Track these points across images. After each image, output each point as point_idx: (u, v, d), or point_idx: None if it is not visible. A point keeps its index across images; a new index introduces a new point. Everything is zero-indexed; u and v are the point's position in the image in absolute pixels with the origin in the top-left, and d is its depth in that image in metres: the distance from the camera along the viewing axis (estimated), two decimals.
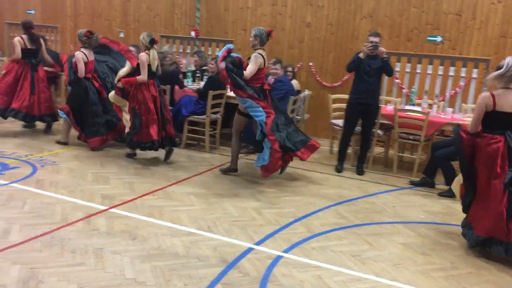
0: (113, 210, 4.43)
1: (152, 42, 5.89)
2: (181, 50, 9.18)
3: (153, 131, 5.87)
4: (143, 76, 5.80)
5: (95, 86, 6.55)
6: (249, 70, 5.34)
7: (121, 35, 9.62)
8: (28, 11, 10.51)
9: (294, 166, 6.30)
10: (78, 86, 6.45)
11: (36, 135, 7.12)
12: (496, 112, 3.87)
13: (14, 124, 7.54)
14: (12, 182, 4.95)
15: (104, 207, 4.46)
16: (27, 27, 6.98)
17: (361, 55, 5.90)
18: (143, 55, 5.82)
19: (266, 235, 4.10)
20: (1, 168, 5.40)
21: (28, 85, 6.83)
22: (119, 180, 5.32)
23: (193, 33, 8.79)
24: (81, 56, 6.37)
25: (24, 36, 6.92)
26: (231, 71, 5.17)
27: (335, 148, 7.00)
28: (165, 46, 8.72)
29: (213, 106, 6.81)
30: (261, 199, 5.03)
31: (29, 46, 6.91)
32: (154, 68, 5.94)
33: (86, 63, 6.42)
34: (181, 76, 7.49)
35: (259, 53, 5.44)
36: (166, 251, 3.64)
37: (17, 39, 6.93)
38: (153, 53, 5.92)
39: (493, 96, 3.88)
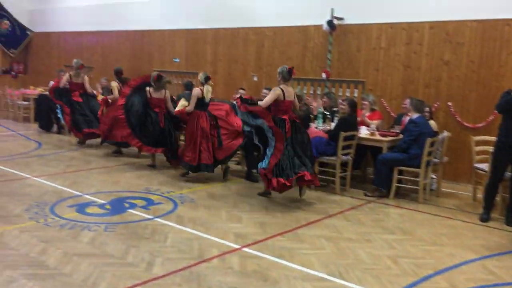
0: (245, 249, 4.51)
1: (207, 79, 7.06)
2: (311, 92, 9.30)
3: (201, 155, 6.89)
4: (190, 107, 6.98)
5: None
6: (265, 100, 6.05)
7: (255, 78, 10.08)
8: (174, 60, 11.57)
9: (432, 212, 5.88)
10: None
11: (176, 173, 7.65)
12: None
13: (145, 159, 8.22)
14: (156, 217, 5.34)
15: (237, 246, 4.57)
16: (118, 73, 9.28)
17: None
18: (196, 90, 7.00)
19: (403, 287, 3.83)
20: (147, 203, 5.87)
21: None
22: (251, 219, 5.44)
23: (324, 75, 8.88)
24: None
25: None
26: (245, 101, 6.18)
27: (479, 195, 6.40)
28: (296, 88, 8.93)
29: (344, 148, 6.72)
30: (396, 247, 4.74)
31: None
32: (207, 100, 7.00)
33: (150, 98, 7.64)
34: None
35: (279, 87, 6.06)
36: None
37: (114, 84, 8.95)
38: (207, 88, 7.00)
39: None
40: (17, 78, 15.27)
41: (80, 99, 9.51)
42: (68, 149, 9.20)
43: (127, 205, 5.77)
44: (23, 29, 15.46)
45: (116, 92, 8.79)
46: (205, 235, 4.82)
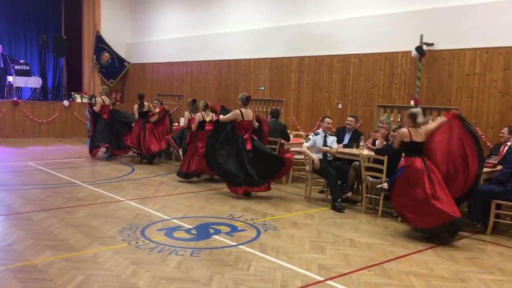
0: (329, 282, 4.39)
1: (206, 106, 9.03)
2: (398, 120, 9.02)
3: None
4: (193, 128, 8.89)
5: None
6: (225, 117, 7.67)
7: (339, 105, 9.99)
8: (259, 88, 11.83)
9: None
10: None
11: (260, 199, 7.70)
12: None
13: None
14: (240, 244, 5.39)
15: (321, 278, 4.46)
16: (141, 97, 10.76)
17: None
18: (198, 115, 8.92)
19: None
20: (231, 229, 5.95)
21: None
22: (335, 250, 5.31)
23: (412, 102, 8.58)
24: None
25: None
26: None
27: None
28: (382, 116, 8.70)
29: None
30: None
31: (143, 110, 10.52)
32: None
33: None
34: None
35: (239, 110, 7.71)
36: None
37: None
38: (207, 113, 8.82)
39: None
40: (115, 106, 16.37)
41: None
42: (157, 174, 9.65)
43: (212, 230, 5.89)
44: (121, 60, 16.67)
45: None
46: (288, 265, 4.77)
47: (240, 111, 7.73)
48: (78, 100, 15.74)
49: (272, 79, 11.55)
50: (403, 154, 6.24)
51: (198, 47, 13.73)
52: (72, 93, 15.98)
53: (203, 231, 5.85)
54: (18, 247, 5.00)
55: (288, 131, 9.38)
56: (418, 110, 6.14)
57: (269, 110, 10.75)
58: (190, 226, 6.01)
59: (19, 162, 10.38)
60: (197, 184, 8.75)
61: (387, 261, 5.03)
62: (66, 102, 15.28)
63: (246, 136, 7.70)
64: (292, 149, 9.19)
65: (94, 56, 16.30)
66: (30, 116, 14.54)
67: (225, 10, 12.96)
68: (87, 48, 16.41)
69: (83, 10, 16.32)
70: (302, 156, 8.67)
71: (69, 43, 15.94)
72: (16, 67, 15.18)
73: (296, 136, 9.95)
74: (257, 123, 7.99)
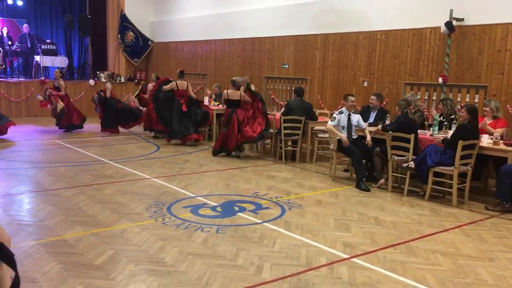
0: (354, 259, 4.39)
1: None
2: (426, 98, 8.84)
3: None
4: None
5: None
6: (165, 87, 10.52)
7: (365, 83, 9.84)
8: (283, 66, 11.72)
9: None
10: None
11: (284, 178, 7.71)
12: None
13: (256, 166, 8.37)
14: (264, 222, 5.42)
15: (346, 256, 4.47)
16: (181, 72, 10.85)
17: None
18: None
19: None
20: (256, 207, 5.99)
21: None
22: (359, 228, 5.30)
23: (440, 79, 8.38)
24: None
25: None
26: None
27: None
28: (408, 94, 8.54)
29: (463, 157, 6.27)
30: None
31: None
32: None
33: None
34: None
35: (175, 82, 10.50)
36: None
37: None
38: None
39: None
40: (139, 85, 16.52)
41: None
42: (182, 152, 9.73)
43: (236, 208, 5.93)
44: (145, 39, 16.71)
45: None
46: (313, 243, 4.79)
47: (176, 83, 10.40)
48: (103, 79, 15.90)
49: (297, 57, 11.42)
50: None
51: (222, 25, 13.64)
52: (98, 72, 16.14)
53: (228, 209, 5.90)
54: (49, 223, 5.14)
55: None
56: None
57: (293, 88, 10.65)
58: (215, 204, 6.07)
59: (47, 140, 10.61)
60: (222, 162, 8.80)
61: (413, 239, 5.00)
62: (91, 81, 15.46)
63: (182, 101, 10.33)
64: (317, 127, 9.14)
65: (119, 35, 16.38)
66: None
67: None
68: (112, 28, 16.49)
69: None
70: (326, 135, 8.62)
71: (94, 23, 16.06)
72: (43, 46, 15.41)
73: (320, 114, 9.87)
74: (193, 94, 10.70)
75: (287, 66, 11.63)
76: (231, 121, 9.04)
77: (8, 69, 15.19)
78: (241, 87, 9.37)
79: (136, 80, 16.51)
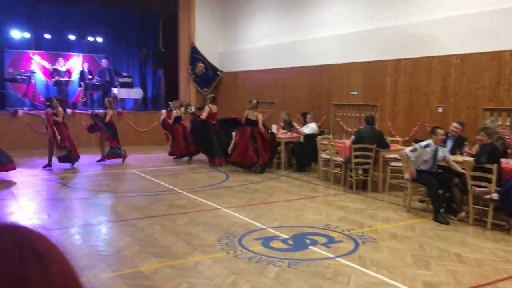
0: None
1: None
2: (507, 124, 8.32)
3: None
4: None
5: None
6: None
7: (439, 109, 9.46)
8: (352, 93, 11.57)
9: None
10: None
11: (356, 209, 7.50)
12: None
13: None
14: (337, 256, 5.26)
15: None
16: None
17: None
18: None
19: None
20: (328, 240, 5.85)
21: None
22: (440, 266, 5.00)
23: None
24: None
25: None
26: None
27: None
28: (487, 120, 8.09)
29: None
30: None
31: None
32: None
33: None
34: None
35: (208, 106, 11.57)
36: None
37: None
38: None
39: None
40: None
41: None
42: (251, 181, 9.79)
43: (308, 241, 5.82)
44: (214, 70, 17.22)
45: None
46: (390, 281, 4.57)
47: (209, 107, 11.52)
48: (172, 108, 16.51)
49: (366, 83, 11.23)
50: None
51: (289, 54, 13.77)
52: (169, 102, 16.76)
53: (299, 242, 5.80)
54: (126, 253, 5.31)
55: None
56: None
57: (362, 115, 10.46)
58: (286, 236, 6.00)
59: (123, 170, 11.09)
60: (291, 192, 8.74)
61: (501, 279, 4.64)
62: (164, 112, 16.05)
63: (214, 122, 11.47)
64: (389, 156, 8.87)
65: (190, 66, 16.99)
66: (133, 126, 15.50)
67: (316, 15, 12.88)
68: (183, 59, 17.15)
69: (179, 24, 17.09)
70: (400, 163, 8.33)
71: (167, 56, 16.78)
72: (120, 79, 16.31)
73: (392, 142, 9.57)
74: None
75: (356, 93, 11.46)
76: (249, 137, 10.42)
77: (88, 102, 16.19)
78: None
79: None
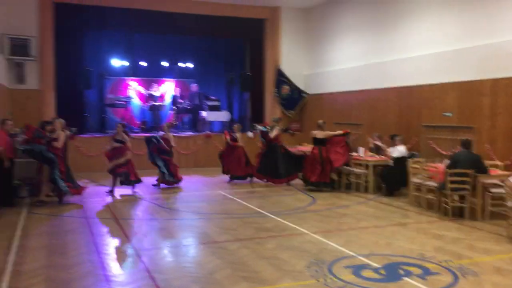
0: None
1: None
2: None
3: None
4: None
5: None
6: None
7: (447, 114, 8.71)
8: (445, 114, 11.01)
9: None
10: None
11: (452, 238, 7.06)
12: None
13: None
14: None
15: None
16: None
17: None
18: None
19: None
20: (423, 272, 5.54)
21: None
22: None
23: None
24: None
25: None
26: None
27: None
28: None
29: None
30: None
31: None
32: None
33: None
34: None
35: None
36: None
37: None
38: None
39: None
40: (294, 136, 17.00)
41: None
42: (338, 205, 9.60)
43: (402, 272, 5.56)
44: (299, 91, 17.29)
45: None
46: None
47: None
48: (274, 123, 16.75)
49: (461, 104, 10.65)
50: None
51: (376, 74, 13.48)
52: (255, 124, 17.07)
53: (392, 272, 5.56)
54: (217, 276, 5.41)
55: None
56: None
57: (458, 138, 9.90)
58: (377, 265, 5.78)
59: (212, 191, 11.39)
60: (381, 218, 8.44)
61: None
62: (250, 134, 16.35)
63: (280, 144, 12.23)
64: (488, 181, 8.30)
65: (275, 89, 17.21)
66: (220, 147, 15.93)
67: (405, 35, 12.53)
68: (269, 82, 17.42)
69: (265, 48, 17.45)
70: (501, 190, 7.76)
71: (253, 79, 17.17)
72: (208, 103, 16.94)
73: (492, 167, 8.93)
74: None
75: (450, 115, 10.89)
76: (318, 156, 11.04)
77: (179, 125, 16.97)
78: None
79: (291, 131, 17.04)
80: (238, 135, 12.54)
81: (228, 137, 12.62)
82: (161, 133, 11.91)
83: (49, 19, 14.33)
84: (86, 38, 16.26)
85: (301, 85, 17.36)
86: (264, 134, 12.25)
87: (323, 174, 10.97)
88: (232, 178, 12.48)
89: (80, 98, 15.65)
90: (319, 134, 11.23)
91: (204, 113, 16.79)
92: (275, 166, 11.92)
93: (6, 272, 5.56)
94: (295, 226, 7.78)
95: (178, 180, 11.73)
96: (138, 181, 10.97)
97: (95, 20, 15.27)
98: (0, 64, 12.49)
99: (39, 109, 14.07)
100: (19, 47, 13.36)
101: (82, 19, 15.00)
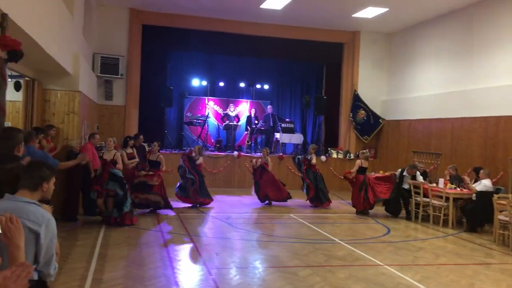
0: None
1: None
2: None
3: None
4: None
5: None
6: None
7: None
8: None
9: None
10: None
11: None
12: None
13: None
14: None
15: None
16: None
17: None
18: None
19: None
20: None
21: None
22: None
23: None
24: None
25: None
26: None
27: None
28: None
29: None
30: None
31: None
32: None
33: None
34: None
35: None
36: None
37: None
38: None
39: None
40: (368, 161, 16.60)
41: None
42: (415, 238, 9.18)
43: None
44: (376, 117, 16.91)
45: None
46: None
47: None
48: (334, 155, 16.54)
49: None
50: None
51: (459, 103, 12.89)
52: (329, 148, 16.89)
53: None
54: None
55: None
56: None
57: None
58: None
59: (283, 214, 11.34)
60: (462, 255, 7.95)
61: None
62: (323, 158, 16.22)
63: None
64: None
65: (351, 113, 16.97)
66: (292, 170, 15.88)
67: (491, 62, 11.92)
68: (344, 106, 17.22)
69: (342, 72, 17.33)
70: None
71: (328, 102, 17.06)
72: (282, 125, 17.02)
73: None
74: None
75: None
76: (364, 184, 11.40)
77: (252, 145, 17.18)
78: None
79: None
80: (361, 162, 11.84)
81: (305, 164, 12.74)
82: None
83: (137, 40, 15.24)
84: (169, 58, 17.05)
85: (378, 111, 16.98)
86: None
87: (365, 201, 11.45)
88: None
89: (161, 115, 16.33)
90: (364, 163, 11.84)
91: (277, 135, 16.88)
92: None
93: (88, 279, 5.84)
94: (368, 256, 7.53)
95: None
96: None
97: (178, 41, 16.02)
98: (91, 81, 13.37)
99: (123, 124, 14.88)
100: (109, 66, 14.25)
101: (166, 40, 15.79)
